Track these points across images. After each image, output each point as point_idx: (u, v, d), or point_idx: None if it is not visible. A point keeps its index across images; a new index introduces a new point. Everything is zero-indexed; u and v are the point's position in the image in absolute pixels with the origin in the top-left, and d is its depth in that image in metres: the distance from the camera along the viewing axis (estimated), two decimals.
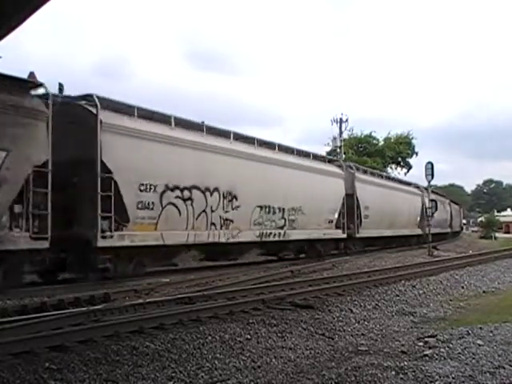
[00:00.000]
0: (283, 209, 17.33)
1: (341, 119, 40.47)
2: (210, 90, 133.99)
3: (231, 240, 14.89)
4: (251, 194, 15.63)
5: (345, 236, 21.20)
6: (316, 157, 21.29)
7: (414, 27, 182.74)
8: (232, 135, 15.71)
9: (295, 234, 17.93)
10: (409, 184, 32.35)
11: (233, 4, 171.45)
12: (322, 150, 41.58)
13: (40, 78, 10.77)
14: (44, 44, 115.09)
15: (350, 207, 21.75)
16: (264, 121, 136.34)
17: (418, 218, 30.87)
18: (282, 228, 17.27)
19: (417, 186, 32.09)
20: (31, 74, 10.76)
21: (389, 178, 31.40)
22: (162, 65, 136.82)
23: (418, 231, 30.48)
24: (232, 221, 14.93)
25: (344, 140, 41.28)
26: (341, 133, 40.55)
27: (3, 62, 8.60)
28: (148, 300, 8.25)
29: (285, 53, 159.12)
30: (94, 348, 5.44)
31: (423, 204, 30.46)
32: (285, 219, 17.51)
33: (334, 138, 40.89)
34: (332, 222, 20.53)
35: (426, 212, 27.88)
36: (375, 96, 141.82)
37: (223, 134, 15.54)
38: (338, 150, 39.51)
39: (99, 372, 4.71)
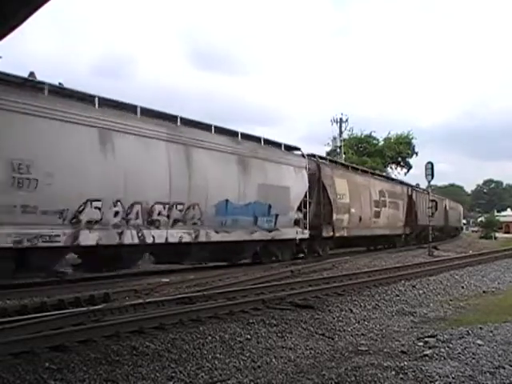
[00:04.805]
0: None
1: (341, 119, 40.56)
2: (211, 89, 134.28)
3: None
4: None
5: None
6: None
7: (415, 27, 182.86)
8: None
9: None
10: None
11: (235, 3, 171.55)
12: (323, 150, 41.67)
13: (40, 77, 10.80)
14: (44, 43, 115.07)
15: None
16: (265, 120, 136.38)
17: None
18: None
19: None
20: (31, 74, 10.77)
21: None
22: (163, 64, 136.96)
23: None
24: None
25: (344, 140, 41.29)
26: (341, 133, 40.61)
27: (3, 62, 8.62)
28: (148, 300, 8.24)
29: (286, 52, 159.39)
30: (93, 348, 5.44)
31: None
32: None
33: (334, 138, 40.96)
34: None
35: None
36: (375, 96, 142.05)
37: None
38: (338, 150, 39.53)
39: (99, 372, 4.71)
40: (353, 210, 21.64)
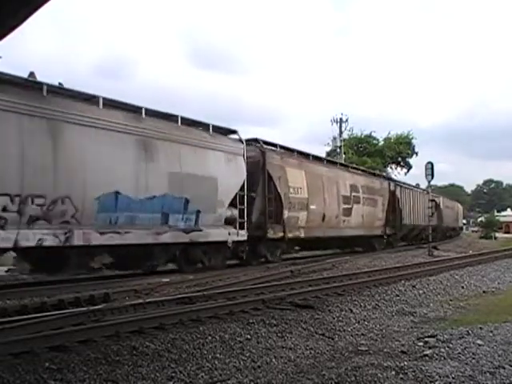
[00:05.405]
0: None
1: (341, 119, 40.57)
2: (212, 89, 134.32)
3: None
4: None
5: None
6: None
7: (415, 27, 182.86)
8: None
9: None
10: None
11: (236, 3, 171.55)
12: (323, 150, 41.71)
13: (40, 77, 10.81)
14: (44, 44, 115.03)
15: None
16: (264, 120, 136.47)
17: None
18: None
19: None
20: (31, 74, 10.78)
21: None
22: (164, 64, 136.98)
23: None
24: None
25: (344, 140, 41.29)
26: (341, 133, 40.61)
27: (3, 62, 8.61)
28: (148, 300, 8.24)
29: (286, 52, 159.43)
30: (93, 348, 5.44)
31: None
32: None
33: (334, 138, 40.99)
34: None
35: None
36: (375, 96, 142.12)
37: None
38: (338, 150, 39.54)
39: (99, 372, 4.71)
40: (313, 207, 18.22)
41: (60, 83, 11.22)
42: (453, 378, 4.57)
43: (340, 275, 12.80)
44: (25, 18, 4.66)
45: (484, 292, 11.38)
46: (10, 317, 6.94)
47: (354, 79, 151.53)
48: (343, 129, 40.87)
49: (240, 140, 15.50)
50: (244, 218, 15.08)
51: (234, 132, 15.64)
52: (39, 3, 4.46)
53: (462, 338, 6.11)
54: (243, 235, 15.00)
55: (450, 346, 5.71)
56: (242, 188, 14.96)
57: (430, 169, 23.09)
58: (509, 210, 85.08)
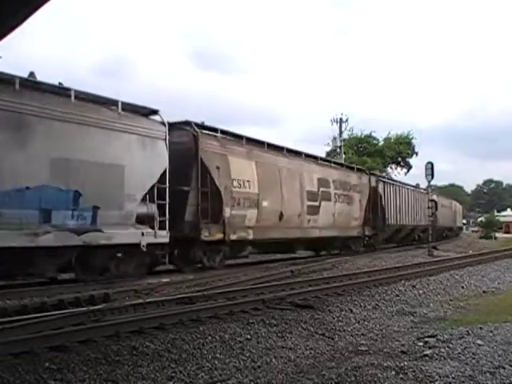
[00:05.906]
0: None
1: (341, 119, 40.60)
2: (211, 89, 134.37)
3: None
4: None
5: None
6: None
7: (415, 27, 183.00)
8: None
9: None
10: None
11: (236, 3, 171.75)
12: (323, 150, 41.75)
13: (40, 78, 10.81)
14: (44, 43, 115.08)
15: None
16: (264, 121, 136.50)
17: None
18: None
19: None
20: (31, 74, 10.79)
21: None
22: (165, 64, 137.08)
23: None
24: None
25: (344, 140, 41.33)
26: (341, 133, 40.65)
27: (3, 62, 8.61)
28: (148, 300, 8.24)
29: (286, 52, 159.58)
30: (93, 348, 5.44)
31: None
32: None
33: (334, 138, 41.09)
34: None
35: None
36: (375, 96, 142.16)
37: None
38: (338, 150, 39.56)
39: (99, 372, 4.71)
40: (265, 204, 15.59)
41: (60, 83, 11.23)
42: (453, 378, 4.57)
43: (340, 275, 12.80)
44: (25, 17, 4.67)
45: (484, 292, 11.38)
46: (10, 317, 6.94)
47: (354, 79, 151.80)
48: (343, 129, 40.96)
49: (162, 122, 12.83)
50: (165, 216, 12.50)
51: (155, 112, 12.89)
52: (39, 3, 4.47)
53: (462, 338, 6.11)
54: (164, 236, 12.40)
55: (450, 345, 5.71)
56: (162, 179, 12.33)
57: (430, 169, 23.08)
58: (509, 209, 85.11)
